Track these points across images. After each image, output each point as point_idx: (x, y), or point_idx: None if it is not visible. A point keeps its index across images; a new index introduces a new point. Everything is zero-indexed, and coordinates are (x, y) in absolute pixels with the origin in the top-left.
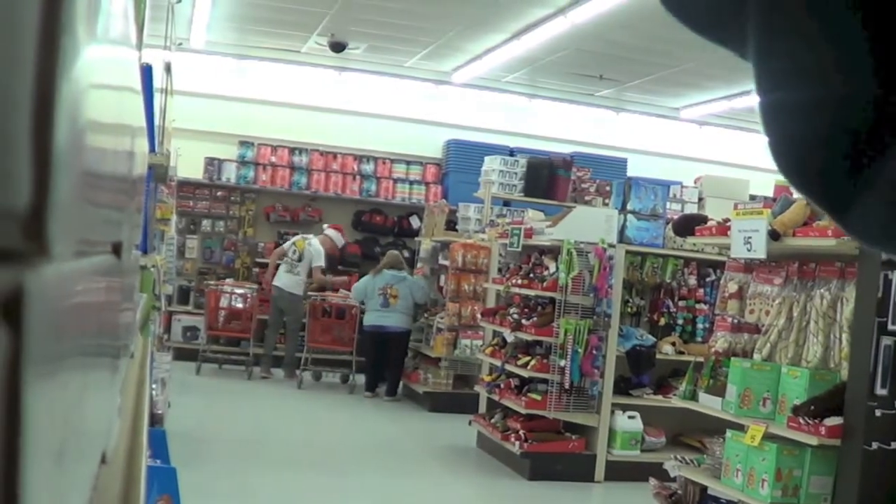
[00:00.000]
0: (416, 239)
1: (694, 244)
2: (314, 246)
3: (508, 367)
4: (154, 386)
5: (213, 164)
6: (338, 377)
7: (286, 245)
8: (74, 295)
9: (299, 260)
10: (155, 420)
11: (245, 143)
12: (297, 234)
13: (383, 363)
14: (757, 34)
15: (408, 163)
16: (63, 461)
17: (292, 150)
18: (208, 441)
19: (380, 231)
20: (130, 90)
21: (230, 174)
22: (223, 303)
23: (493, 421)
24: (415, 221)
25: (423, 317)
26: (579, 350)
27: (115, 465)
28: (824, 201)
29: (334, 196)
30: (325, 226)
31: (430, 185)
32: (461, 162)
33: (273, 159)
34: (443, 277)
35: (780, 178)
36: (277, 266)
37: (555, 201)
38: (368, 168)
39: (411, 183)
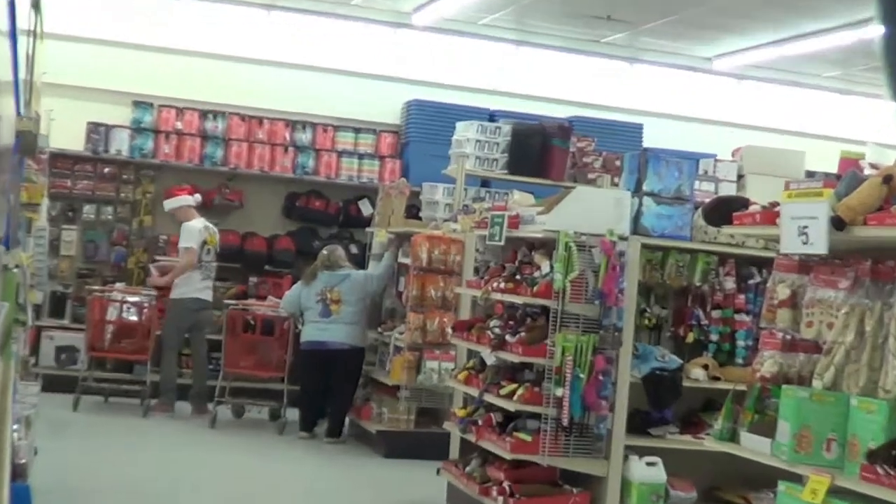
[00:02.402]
0: (368, 230)
1: (731, 236)
2: (210, 228)
3: (488, 398)
4: (16, 427)
5: (97, 132)
6: (265, 413)
7: (196, 243)
8: None
9: (214, 260)
10: (17, 472)
11: (141, 104)
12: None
13: (325, 393)
14: None
15: (356, 130)
16: None
17: (204, 114)
18: (87, 499)
19: (319, 220)
20: None
21: (121, 145)
22: (111, 315)
23: (468, 469)
24: (365, 207)
25: (376, 330)
26: (581, 375)
27: None
28: None
29: (259, 174)
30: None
31: (385, 160)
32: (426, 129)
33: (178, 125)
34: (402, 280)
35: (848, 148)
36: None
37: (548, 180)
38: (304, 137)
39: (360, 157)
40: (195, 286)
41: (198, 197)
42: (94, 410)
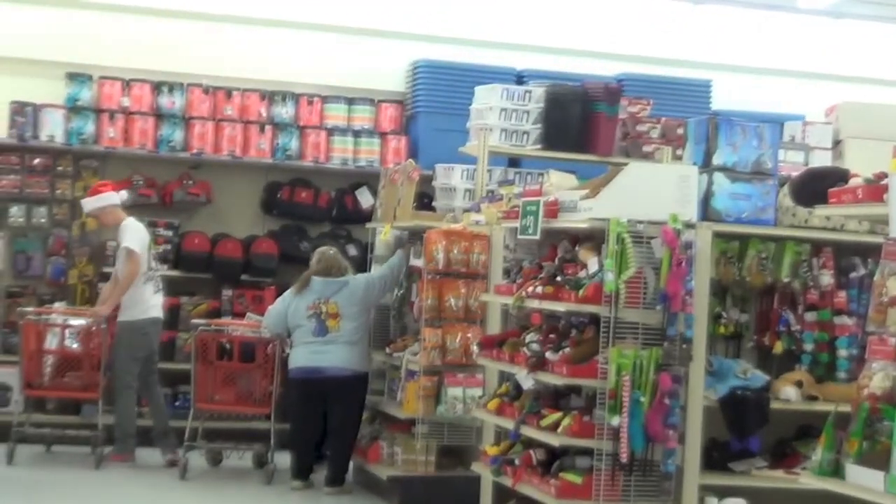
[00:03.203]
0: (369, 226)
1: (827, 218)
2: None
3: (526, 432)
4: None
5: (23, 114)
6: (248, 458)
7: (142, 245)
8: None
9: (159, 268)
10: None
11: (77, 77)
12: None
13: (322, 432)
14: None
15: (349, 101)
16: None
17: (157, 87)
18: None
19: (307, 215)
20: None
21: (54, 129)
22: (50, 343)
23: None
24: (364, 198)
25: (383, 351)
26: (642, 399)
27: None
28: None
29: (230, 160)
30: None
31: (387, 137)
32: (438, 97)
33: (125, 102)
34: (414, 288)
35: None
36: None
37: (594, 156)
38: (285, 112)
39: (356, 134)
40: (150, 303)
41: (123, 194)
42: (33, 463)
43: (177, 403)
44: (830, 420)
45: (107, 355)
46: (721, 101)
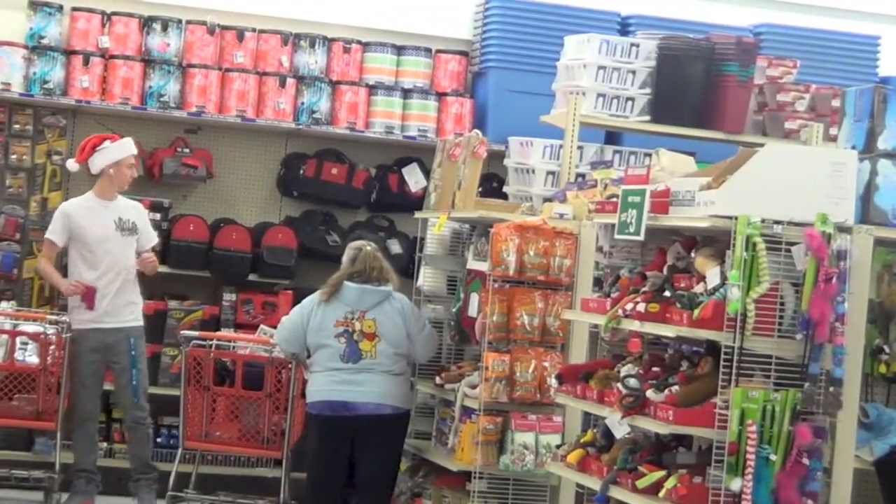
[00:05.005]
0: (419, 215)
1: None
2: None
3: (618, 494)
4: None
5: None
6: None
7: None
8: None
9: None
10: None
11: (43, 6)
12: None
13: (349, 484)
14: None
15: (398, 50)
16: None
17: (146, 23)
18: None
19: (338, 199)
20: None
21: (11, 74)
22: None
23: None
24: (414, 178)
25: (432, 381)
26: (773, 457)
27: None
28: None
29: (239, 123)
30: (70, 162)
31: (446, 99)
32: (515, 48)
33: (104, 41)
34: (475, 298)
35: None
36: None
37: (719, 132)
38: (313, 61)
39: (406, 94)
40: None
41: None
42: None
43: (159, 440)
44: None
45: (68, 372)
46: (891, 64)
